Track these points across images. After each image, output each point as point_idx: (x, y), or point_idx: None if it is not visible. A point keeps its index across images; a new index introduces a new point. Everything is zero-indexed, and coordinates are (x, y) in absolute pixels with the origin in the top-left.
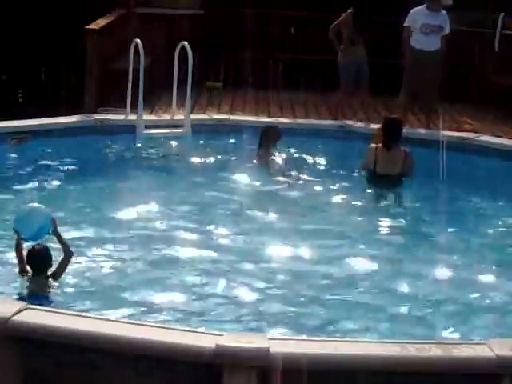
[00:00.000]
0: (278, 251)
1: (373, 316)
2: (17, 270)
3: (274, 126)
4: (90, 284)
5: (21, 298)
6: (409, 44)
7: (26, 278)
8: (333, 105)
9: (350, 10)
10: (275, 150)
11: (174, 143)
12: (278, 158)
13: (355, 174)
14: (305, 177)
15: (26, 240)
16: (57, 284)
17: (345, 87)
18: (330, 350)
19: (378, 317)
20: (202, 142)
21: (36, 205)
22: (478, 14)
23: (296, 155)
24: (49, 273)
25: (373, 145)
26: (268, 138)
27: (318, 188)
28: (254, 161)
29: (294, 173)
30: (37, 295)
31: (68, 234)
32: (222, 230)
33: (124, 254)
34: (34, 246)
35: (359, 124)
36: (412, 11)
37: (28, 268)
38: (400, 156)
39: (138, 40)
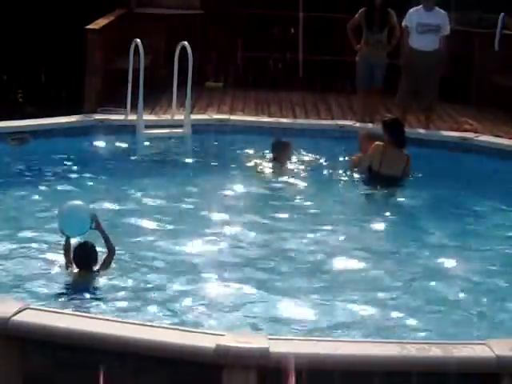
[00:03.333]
0: (278, 252)
1: (373, 316)
2: (58, 265)
3: (287, 143)
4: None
5: (66, 291)
6: (408, 44)
7: (71, 272)
8: (357, 107)
9: (362, 9)
10: (288, 163)
11: (173, 143)
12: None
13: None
14: (306, 178)
15: (71, 236)
16: (102, 278)
17: (358, 87)
18: (330, 350)
19: (379, 316)
20: (201, 142)
21: (76, 202)
22: (478, 14)
23: (296, 156)
24: (94, 268)
25: (379, 143)
26: (282, 152)
27: (319, 189)
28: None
29: (295, 174)
30: (82, 288)
31: None
32: (221, 230)
33: (124, 254)
34: (80, 244)
35: (358, 124)
36: (410, 11)
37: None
38: (404, 158)
39: (138, 40)
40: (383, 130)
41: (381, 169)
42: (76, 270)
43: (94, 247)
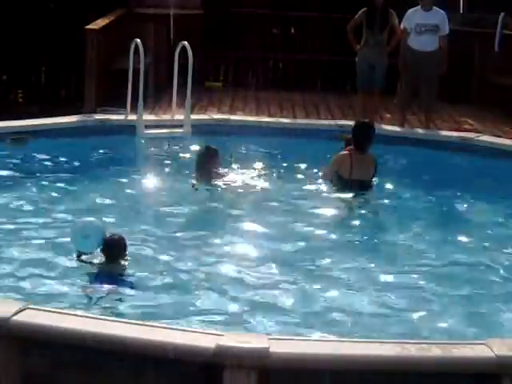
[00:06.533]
0: (273, 253)
1: (369, 316)
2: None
3: (212, 148)
4: None
5: (91, 280)
6: (406, 45)
7: (95, 263)
8: (356, 106)
9: (363, 9)
10: (218, 168)
11: (173, 143)
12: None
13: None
14: (299, 179)
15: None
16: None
17: (358, 87)
18: (330, 350)
19: (375, 317)
20: (201, 142)
21: (88, 219)
22: (478, 14)
23: (295, 155)
24: (122, 262)
25: (344, 152)
26: (206, 160)
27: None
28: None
29: (281, 175)
30: (107, 277)
31: (66, 233)
32: (219, 230)
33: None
34: (111, 236)
35: None
36: (408, 11)
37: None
38: (371, 160)
39: (138, 40)
40: (352, 132)
41: (351, 175)
42: (98, 261)
43: (124, 240)
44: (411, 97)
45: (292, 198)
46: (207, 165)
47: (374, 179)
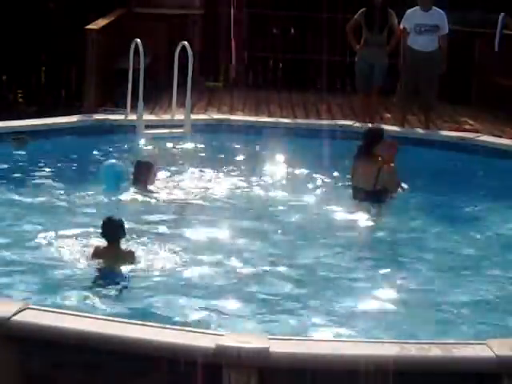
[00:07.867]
0: (269, 255)
1: (368, 317)
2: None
3: (144, 162)
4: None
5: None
6: (406, 45)
7: (100, 253)
8: (357, 107)
9: (362, 9)
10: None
11: (173, 143)
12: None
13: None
14: (292, 180)
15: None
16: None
17: (358, 87)
18: (330, 350)
19: (376, 318)
20: (201, 142)
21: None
22: (478, 14)
23: (294, 154)
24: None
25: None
26: (142, 171)
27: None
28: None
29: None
30: (111, 271)
31: (70, 231)
32: (219, 231)
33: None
34: (108, 217)
35: (357, 124)
36: (407, 12)
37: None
38: (373, 170)
39: (138, 40)
40: None
41: (353, 181)
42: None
43: (121, 221)
44: (411, 97)
45: (278, 198)
46: (141, 177)
47: (382, 190)
